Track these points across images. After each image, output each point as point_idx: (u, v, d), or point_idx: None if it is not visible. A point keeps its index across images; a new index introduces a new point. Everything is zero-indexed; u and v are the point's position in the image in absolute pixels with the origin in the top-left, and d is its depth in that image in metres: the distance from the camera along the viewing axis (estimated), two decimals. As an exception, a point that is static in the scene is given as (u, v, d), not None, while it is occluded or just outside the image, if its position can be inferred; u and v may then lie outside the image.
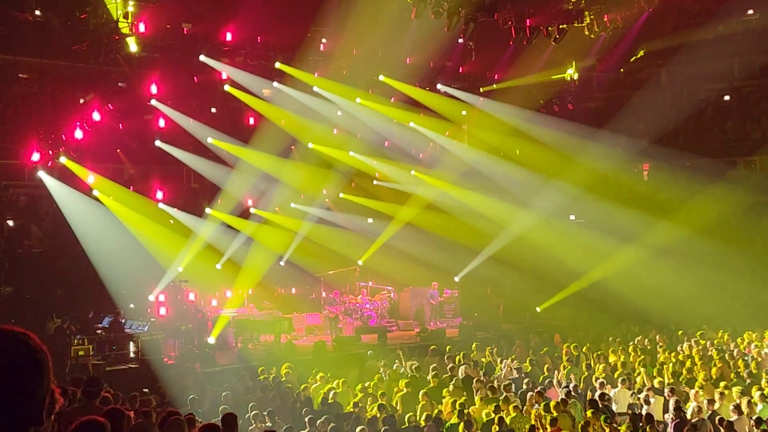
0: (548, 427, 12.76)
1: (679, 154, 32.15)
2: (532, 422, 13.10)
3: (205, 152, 29.18)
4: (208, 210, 28.80)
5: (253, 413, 13.61)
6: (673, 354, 20.01)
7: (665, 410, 14.60)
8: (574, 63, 30.79)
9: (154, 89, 26.54)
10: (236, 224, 28.97)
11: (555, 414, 13.34)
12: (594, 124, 32.51)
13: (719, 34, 34.57)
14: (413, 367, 18.09)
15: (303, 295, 30.04)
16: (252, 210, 29.85)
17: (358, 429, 12.37)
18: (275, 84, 28.38)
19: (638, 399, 15.19)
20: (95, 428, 4.88)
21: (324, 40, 28.69)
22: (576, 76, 31.99)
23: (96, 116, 25.36)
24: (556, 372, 17.88)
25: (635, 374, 17.78)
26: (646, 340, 22.86)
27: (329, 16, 27.66)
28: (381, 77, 29.78)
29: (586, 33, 27.70)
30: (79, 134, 24.97)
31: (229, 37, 26.62)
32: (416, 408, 14.73)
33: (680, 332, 23.60)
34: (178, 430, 7.66)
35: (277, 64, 27.83)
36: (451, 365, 18.79)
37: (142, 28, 23.61)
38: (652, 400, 14.85)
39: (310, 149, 30.34)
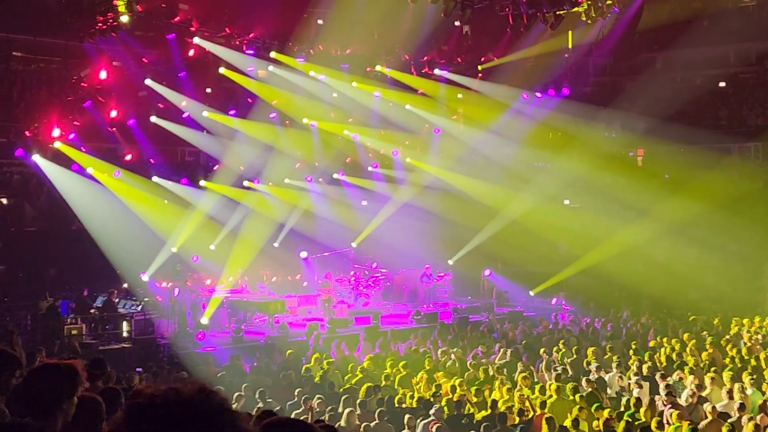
0: (538, 410, 12.82)
1: (674, 140, 32.17)
2: (523, 405, 13.14)
3: (200, 127, 29.26)
4: (202, 183, 28.87)
5: (248, 394, 13.65)
6: (665, 339, 20.08)
7: (653, 395, 14.62)
8: (570, 33, 30.52)
9: (149, 67, 26.50)
10: (232, 194, 29.01)
11: (545, 397, 13.40)
12: (589, 109, 32.46)
13: (716, 20, 34.50)
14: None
15: (296, 279, 30.05)
16: (245, 183, 29.88)
17: (347, 411, 12.34)
18: (271, 68, 28.30)
19: (628, 384, 15.25)
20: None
21: (320, 21, 28.51)
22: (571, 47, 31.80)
23: (92, 87, 25.33)
24: (548, 356, 17.93)
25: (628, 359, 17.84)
26: (639, 324, 22.97)
27: (325, 3, 27.47)
28: (377, 67, 29.70)
29: (583, 18, 27.56)
30: (73, 118, 24.97)
31: (224, 25, 26.41)
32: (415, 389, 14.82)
33: (672, 317, 23.70)
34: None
35: (273, 54, 27.68)
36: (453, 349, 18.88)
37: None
38: (642, 384, 14.92)
39: (305, 127, 30.32)
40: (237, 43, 26.89)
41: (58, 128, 25.05)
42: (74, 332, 20.73)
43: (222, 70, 28.28)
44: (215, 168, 29.55)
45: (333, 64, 28.80)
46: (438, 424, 11.78)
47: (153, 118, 28.11)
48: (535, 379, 15.89)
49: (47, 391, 3.81)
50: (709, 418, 12.18)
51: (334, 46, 28.54)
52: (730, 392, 13.50)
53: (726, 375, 14.81)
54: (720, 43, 34.53)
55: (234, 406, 11.63)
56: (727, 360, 17.24)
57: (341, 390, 14.77)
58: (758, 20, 34.57)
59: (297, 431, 2.60)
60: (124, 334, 21.76)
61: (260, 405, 13.13)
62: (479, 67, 31.58)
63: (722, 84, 35.68)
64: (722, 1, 34.51)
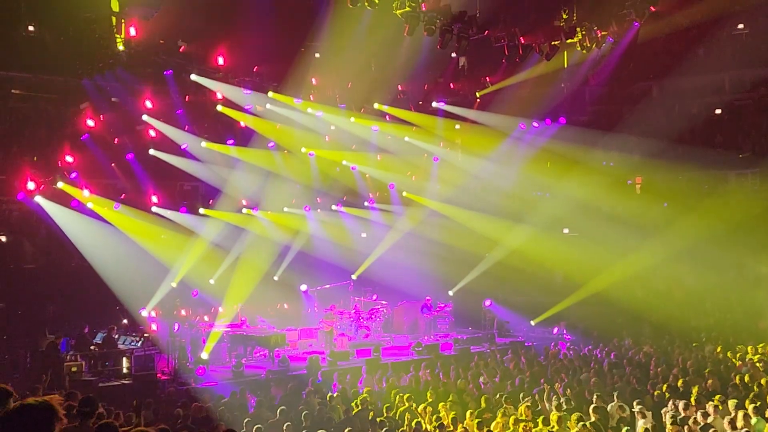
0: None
1: (672, 167, 32.26)
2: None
3: (198, 159, 29.32)
4: (201, 210, 28.85)
5: (254, 428, 13.56)
6: (667, 367, 19.98)
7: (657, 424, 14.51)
8: (565, 54, 30.59)
9: (148, 104, 26.59)
10: (231, 219, 28.97)
11: (548, 428, 13.32)
12: (587, 137, 32.56)
13: (710, 48, 34.78)
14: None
15: (296, 309, 29.99)
16: (244, 210, 29.85)
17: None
18: (268, 106, 28.42)
19: (630, 414, 15.12)
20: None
21: (317, 55, 28.67)
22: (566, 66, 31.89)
23: (90, 123, 25.47)
24: (549, 385, 17.83)
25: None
26: (641, 352, 22.85)
27: (322, 36, 27.70)
28: (375, 105, 29.83)
29: (578, 48, 27.77)
30: (70, 158, 25.07)
31: (221, 61, 26.45)
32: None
33: (674, 345, 23.60)
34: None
35: (270, 94, 27.83)
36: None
37: (132, 32, 23.11)
38: (645, 414, 14.81)
39: (304, 157, 30.37)
40: (235, 81, 27.06)
41: (58, 166, 25.11)
42: (74, 369, 20.62)
43: (219, 107, 28.36)
44: (211, 202, 29.59)
45: (330, 101, 28.98)
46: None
47: (151, 151, 28.17)
48: (538, 409, 15.80)
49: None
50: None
51: (331, 80, 28.69)
52: (732, 421, 13.38)
53: (731, 403, 14.70)
54: (715, 71, 34.82)
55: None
56: (730, 388, 17.12)
57: (340, 420, 14.75)
58: (752, 47, 34.84)
59: None
60: (124, 371, 21.67)
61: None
62: (477, 94, 31.63)
63: (718, 111, 35.88)
64: (716, 29, 34.75)
